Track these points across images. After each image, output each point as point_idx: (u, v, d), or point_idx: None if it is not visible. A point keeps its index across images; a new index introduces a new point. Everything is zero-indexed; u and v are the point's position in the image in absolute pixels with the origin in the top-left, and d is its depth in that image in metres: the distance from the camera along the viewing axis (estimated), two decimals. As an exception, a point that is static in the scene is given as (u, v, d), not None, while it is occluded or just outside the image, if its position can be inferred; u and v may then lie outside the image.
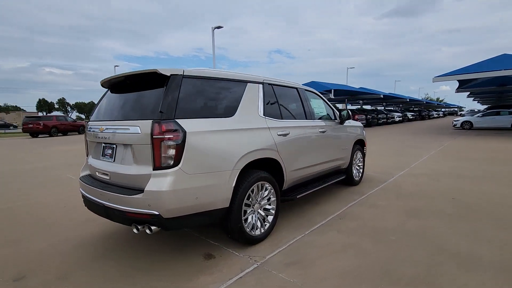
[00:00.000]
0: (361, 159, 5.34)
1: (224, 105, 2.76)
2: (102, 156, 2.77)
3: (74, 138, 18.43)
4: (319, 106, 4.36)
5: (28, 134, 20.78)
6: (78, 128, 22.67)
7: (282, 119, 3.38)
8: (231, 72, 3.01)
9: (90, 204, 2.70)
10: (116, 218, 2.45)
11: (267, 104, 3.24)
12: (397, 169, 6.47)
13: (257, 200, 2.97)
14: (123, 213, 2.33)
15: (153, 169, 2.24)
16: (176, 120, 2.29)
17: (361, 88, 27.37)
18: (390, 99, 33.30)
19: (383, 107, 38.19)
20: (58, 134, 21.15)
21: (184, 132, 2.28)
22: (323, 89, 20.64)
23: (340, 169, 4.77)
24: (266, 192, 3.06)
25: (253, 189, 2.86)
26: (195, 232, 3.29)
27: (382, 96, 26.67)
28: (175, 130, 2.25)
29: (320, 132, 3.98)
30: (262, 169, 3.09)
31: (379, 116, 26.26)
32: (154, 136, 2.22)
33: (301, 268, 2.48)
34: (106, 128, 2.62)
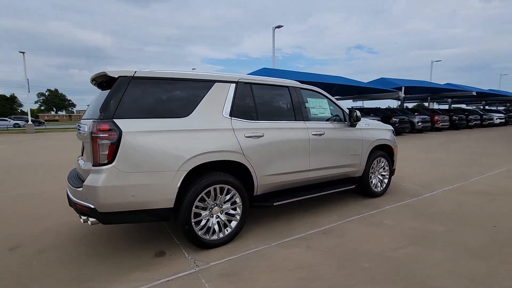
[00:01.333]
0: (386, 168, 4.60)
1: (177, 105, 2.74)
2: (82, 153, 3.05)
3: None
4: (320, 106, 3.93)
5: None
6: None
7: (256, 120, 3.18)
8: (194, 72, 2.96)
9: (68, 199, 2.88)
10: (75, 209, 2.69)
11: (238, 104, 3.08)
12: (446, 183, 5.35)
13: (216, 204, 2.87)
14: (75, 204, 2.56)
15: (92, 165, 2.39)
16: (114, 120, 2.39)
17: (447, 84, 23.41)
18: (490, 97, 27.65)
19: (482, 107, 32.05)
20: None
21: (120, 132, 2.36)
22: (393, 86, 18.45)
23: (350, 177, 4.21)
24: (228, 196, 2.93)
25: (209, 191, 2.78)
26: (169, 229, 3.38)
27: (474, 94, 22.27)
28: (111, 130, 2.35)
29: (315, 135, 3.59)
30: (229, 171, 2.97)
31: (469, 117, 22.09)
32: (92, 135, 2.37)
33: (233, 282, 2.29)
34: (80, 127, 2.90)
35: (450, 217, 3.63)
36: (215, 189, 2.82)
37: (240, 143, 2.94)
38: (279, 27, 17.48)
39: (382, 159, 4.54)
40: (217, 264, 2.57)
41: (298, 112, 3.57)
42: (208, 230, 2.84)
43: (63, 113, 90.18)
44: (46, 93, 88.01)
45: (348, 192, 4.72)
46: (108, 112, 2.39)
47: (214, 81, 3.01)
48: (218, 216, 2.91)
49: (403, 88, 18.41)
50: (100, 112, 2.40)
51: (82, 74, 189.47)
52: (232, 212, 2.99)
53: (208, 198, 2.80)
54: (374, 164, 4.41)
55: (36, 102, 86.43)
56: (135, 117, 2.48)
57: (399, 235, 3.13)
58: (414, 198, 4.48)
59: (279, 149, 3.25)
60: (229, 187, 2.90)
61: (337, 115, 4.08)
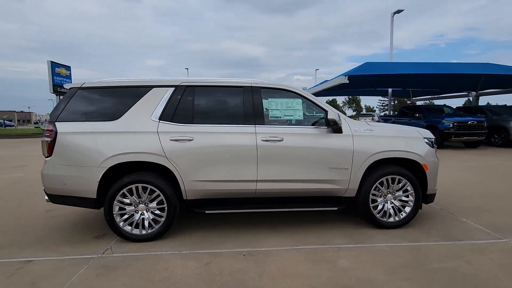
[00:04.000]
0: (410, 191, 3.29)
1: (111, 110, 3.11)
2: None
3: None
4: (288, 107, 3.31)
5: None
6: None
7: (190, 123, 3.11)
8: (137, 79, 3.24)
9: None
10: None
11: (171, 108, 3.13)
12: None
13: (141, 201, 3.07)
14: None
15: (45, 157, 3.14)
16: (55, 122, 3.03)
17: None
18: None
19: None
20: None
21: (56, 132, 2.99)
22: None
23: (334, 196, 3.32)
24: (153, 196, 3.06)
25: (131, 189, 3.02)
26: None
27: None
28: (51, 130, 3.01)
29: (266, 141, 3.10)
30: (159, 173, 3.09)
31: None
32: (44, 133, 3.10)
33: (99, 275, 2.45)
34: None
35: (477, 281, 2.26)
36: (137, 188, 3.02)
37: (163, 146, 3.00)
38: (398, 12, 14.73)
39: (401, 179, 3.27)
40: (114, 257, 2.77)
41: (248, 115, 3.19)
42: (132, 224, 3.07)
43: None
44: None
45: (353, 214, 3.70)
46: (54, 116, 3.08)
47: (152, 87, 3.19)
48: (143, 213, 3.10)
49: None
50: (49, 115, 3.12)
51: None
52: (158, 212, 3.10)
53: (132, 195, 3.04)
54: (382, 183, 3.27)
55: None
56: (73, 120, 3.05)
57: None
58: (455, 241, 3.00)
59: (212, 155, 3.06)
60: (152, 187, 3.02)
61: (320, 118, 3.33)
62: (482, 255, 2.71)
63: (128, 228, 3.06)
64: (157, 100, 3.15)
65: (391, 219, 3.33)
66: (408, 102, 20.81)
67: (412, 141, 3.34)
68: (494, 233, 3.19)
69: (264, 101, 3.30)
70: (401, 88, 17.21)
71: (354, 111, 77.18)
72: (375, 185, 3.26)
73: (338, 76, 11.63)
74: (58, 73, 19.86)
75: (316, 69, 47.02)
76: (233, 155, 3.08)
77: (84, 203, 3.09)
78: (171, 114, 3.12)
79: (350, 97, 72.81)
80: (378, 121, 28.51)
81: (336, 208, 3.25)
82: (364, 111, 74.07)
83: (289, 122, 3.42)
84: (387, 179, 3.27)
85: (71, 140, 3.00)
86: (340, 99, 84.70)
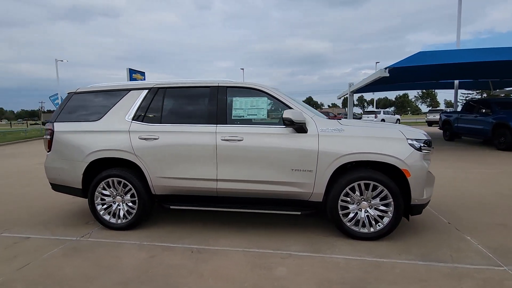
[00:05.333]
0: (389, 201, 2.90)
1: (95, 111, 3.49)
2: None
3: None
4: (252, 106, 3.21)
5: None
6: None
7: (158, 123, 3.30)
8: (119, 83, 3.57)
9: None
10: None
11: (143, 108, 3.37)
12: None
13: (118, 193, 3.40)
14: None
15: (47, 152, 3.70)
16: (54, 123, 3.56)
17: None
18: None
19: None
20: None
21: (53, 131, 3.51)
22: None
23: (299, 200, 3.12)
24: (126, 189, 3.36)
25: (107, 182, 3.37)
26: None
27: None
28: (50, 129, 3.54)
29: (226, 140, 3.09)
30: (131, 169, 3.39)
31: None
32: (45, 132, 3.66)
33: (65, 255, 2.83)
34: None
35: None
36: (113, 181, 3.36)
37: (132, 144, 3.27)
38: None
39: (377, 185, 2.90)
40: (87, 241, 3.14)
41: (211, 115, 3.22)
42: (114, 215, 3.41)
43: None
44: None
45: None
46: (53, 117, 3.61)
47: (130, 89, 3.49)
48: (120, 205, 3.41)
49: None
50: (52, 117, 3.68)
51: (306, 79, 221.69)
52: (130, 204, 3.39)
53: (109, 188, 3.39)
54: (354, 189, 2.95)
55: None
56: (67, 121, 3.54)
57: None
58: (434, 262, 2.56)
59: (174, 153, 3.19)
60: (125, 181, 3.32)
61: (269, 118, 3.20)
62: (453, 283, 2.24)
63: (107, 217, 3.43)
64: (132, 102, 3.43)
65: (365, 230, 2.98)
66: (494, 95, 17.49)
67: (389, 142, 2.91)
68: (496, 259, 2.58)
69: (231, 100, 3.30)
70: (471, 79, 14.64)
71: (428, 106, 68.62)
72: (345, 191, 2.95)
73: (388, 66, 10.47)
74: (135, 79, 22.80)
75: (377, 62, 43.28)
76: (194, 154, 3.17)
77: (74, 192, 3.56)
78: (142, 114, 3.37)
79: (424, 91, 64.99)
80: (382, 120, 24.41)
81: (299, 213, 3.06)
82: (440, 107, 65.23)
83: (263, 122, 3.33)
84: (359, 185, 2.93)
85: (64, 138, 3.49)
86: (412, 93, 76.54)
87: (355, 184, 2.93)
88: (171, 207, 3.29)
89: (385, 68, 9.07)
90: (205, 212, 3.81)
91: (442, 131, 13.22)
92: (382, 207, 2.95)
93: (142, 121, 3.34)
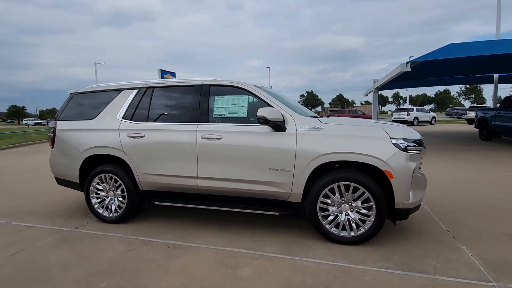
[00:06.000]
0: (371, 203, 2.73)
1: (91, 110, 3.70)
2: None
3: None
4: (233, 104, 3.19)
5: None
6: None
7: (145, 121, 3.41)
8: (114, 83, 3.74)
9: None
10: None
11: (132, 107, 3.50)
12: None
13: (110, 188, 3.58)
14: None
15: (51, 148, 3.99)
16: (56, 121, 3.83)
17: None
18: None
19: None
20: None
21: (55, 129, 3.78)
22: None
23: (278, 200, 3.04)
24: (117, 184, 3.52)
25: (100, 177, 3.56)
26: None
27: None
28: (53, 127, 3.82)
29: (206, 138, 3.12)
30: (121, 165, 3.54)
31: None
32: (49, 130, 3.95)
33: (56, 245, 3.05)
34: None
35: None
36: (105, 177, 3.55)
37: (121, 141, 3.42)
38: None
39: (357, 187, 2.75)
40: (80, 232, 3.35)
41: (194, 113, 3.26)
42: (107, 208, 3.60)
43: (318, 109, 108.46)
44: (305, 95, 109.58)
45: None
46: (56, 116, 3.89)
47: (122, 89, 3.65)
48: (112, 199, 3.60)
49: None
50: (55, 115, 3.96)
51: (339, 76, 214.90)
52: (121, 199, 3.55)
53: (103, 183, 3.58)
54: (333, 191, 2.82)
55: (298, 102, 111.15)
56: (67, 120, 3.80)
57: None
58: (411, 272, 2.38)
59: (158, 150, 3.29)
60: (115, 177, 3.49)
61: (250, 116, 3.15)
62: (425, 295, 2.05)
63: (100, 210, 3.63)
64: (124, 101, 3.58)
65: (344, 234, 2.84)
66: None
67: (371, 142, 2.73)
68: (489, 272, 2.32)
69: (213, 98, 3.31)
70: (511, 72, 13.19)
71: (472, 102, 63.10)
72: (324, 192, 2.83)
73: (410, 60, 9.81)
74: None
75: (410, 57, 40.26)
76: (176, 152, 3.23)
77: (73, 186, 3.81)
78: (131, 113, 3.50)
79: (468, 86, 59.91)
80: (416, 118, 22.43)
81: (277, 213, 2.99)
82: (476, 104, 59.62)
83: (244, 120, 3.29)
84: (338, 186, 2.80)
85: (64, 135, 3.75)
86: (454, 89, 71.05)
87: (335, 185, 2.80)
88: (156, 203, 3.40)
89: (407, 63, 8.50)
90: (193, 209, 3.88)
91: (477, 129, 12.12)
92: (364, 211, 2.79)
93: (131, 120, 3.48)
